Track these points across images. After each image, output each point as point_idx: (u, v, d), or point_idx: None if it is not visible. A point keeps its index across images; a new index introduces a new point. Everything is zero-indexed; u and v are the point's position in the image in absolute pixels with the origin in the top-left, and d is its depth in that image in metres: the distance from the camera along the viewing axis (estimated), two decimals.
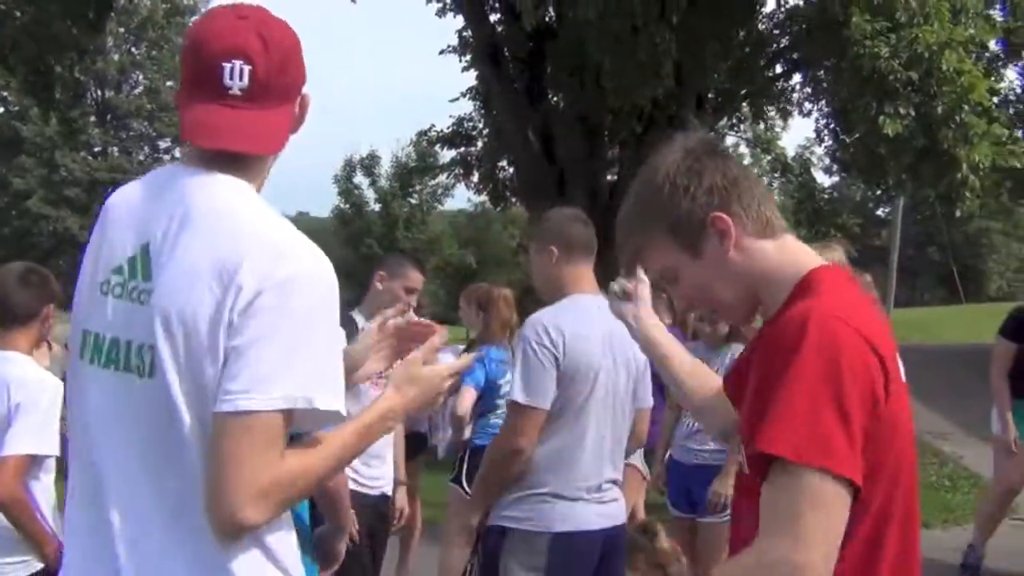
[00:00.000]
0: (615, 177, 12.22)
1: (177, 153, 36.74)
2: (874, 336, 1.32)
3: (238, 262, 1.39)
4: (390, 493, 3.75)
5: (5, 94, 35.74)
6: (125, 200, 1.55)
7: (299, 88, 1.54)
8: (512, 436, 2.77)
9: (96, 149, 37.17)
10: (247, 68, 1.44)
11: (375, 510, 3.57)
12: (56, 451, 2.84)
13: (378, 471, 3.58)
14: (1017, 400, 5.25)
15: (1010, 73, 13.19)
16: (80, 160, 35.37)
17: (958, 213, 9.92)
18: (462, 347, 4.95)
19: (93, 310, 1.51)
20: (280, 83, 1.48)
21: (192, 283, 1.40)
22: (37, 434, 2.75)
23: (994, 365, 5.29)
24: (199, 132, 1.46)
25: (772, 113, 15.50)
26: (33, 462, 2.78)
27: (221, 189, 1.47)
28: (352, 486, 3.07)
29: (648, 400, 3.07)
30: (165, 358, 1.39)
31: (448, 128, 15.54)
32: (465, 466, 4.60)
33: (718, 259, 1.47)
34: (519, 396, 2.74)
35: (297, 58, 1.51)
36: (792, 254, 1.49)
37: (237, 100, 1.44)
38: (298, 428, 1.44)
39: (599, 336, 2.78)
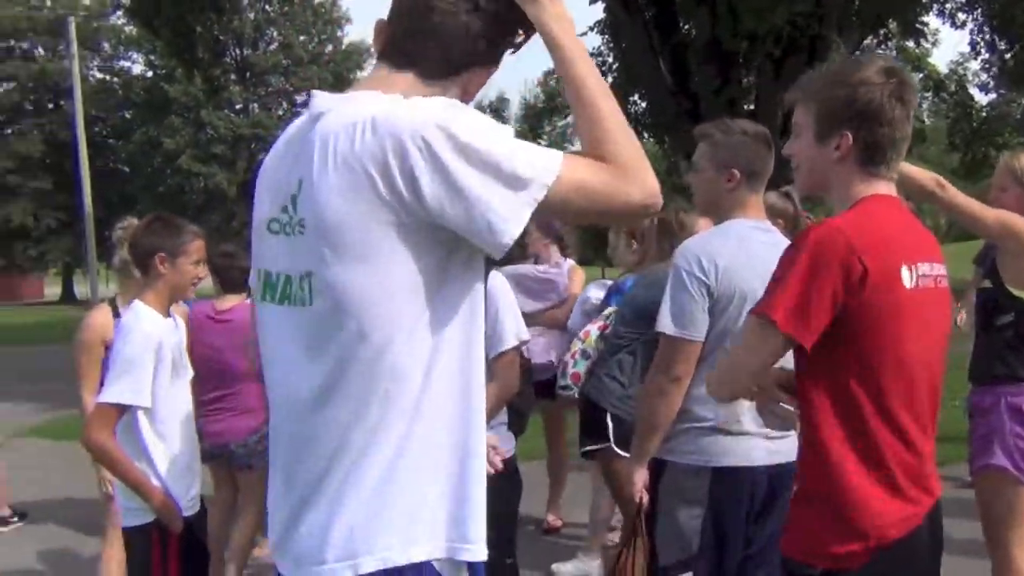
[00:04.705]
0: (752, 106, 11.73)
1: None
2: (866, 247, 1.80)
3: (381, 158, 1.37)
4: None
5: (152, 57, 37.59)
6: (286, 138, 1.57)
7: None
8: (666, 368, 2.64)
9: (238, 106, 38.68)
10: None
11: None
12: (146, 403, 2.77)
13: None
14: None
15: None
16: (224, 118, 36.92)
17: None
18: (609, 281, 4.86)
19: (263, 250, 1.55)
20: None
21: (342, 199, 1.39)
22: (119, 384, 2.74)
23: None
24: None
25: (922, 27, 14.49)
26: (122, 412, 2.76)
27: (357, 103, 1.46)
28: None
29: None
30: (325, 282, 1.41)
31: None
32: None
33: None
34: (669, 328, 2.62)
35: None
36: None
37: None
38: None
39: (756, 265, 2.61)
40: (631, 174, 1.42)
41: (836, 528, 1.83)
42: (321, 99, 1.51)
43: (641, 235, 4.55)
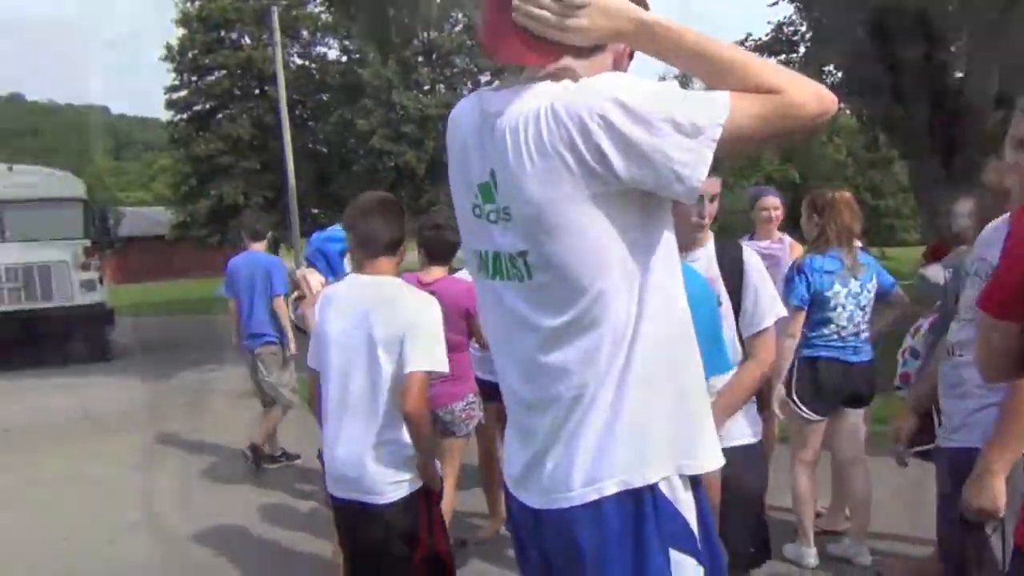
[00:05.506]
0: (963, 74, 10.96)
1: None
2: None
3: (569, 141, 1.52)
4: None
5: (347, 43, 39.39)
6: (465, 131, 1.72)
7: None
8: None
9: (425, 87, 39.91)
10: None
11: None
12: (446, 369, 2.93)
13: None
14: None
15: None
16: (413, 98, 38.21)
17: None
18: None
19: (472, 232, 1.75)
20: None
21: (544, 185, 1.55)
22: (435, 353, 2.92)
23: None
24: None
25: None
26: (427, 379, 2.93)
27: (534, 94, 1.60)
28: None
29: None
30: (541, 258, 1.60)
31: (767, 35, 14.80)
32: (794, 378, 4.46)
33: None
34: None
35: None
36: None
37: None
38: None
39: None
40: (795, 88, 1.50)
41: None
42: (490, 97, 1.65)
43: (822, 208, 4.38)
